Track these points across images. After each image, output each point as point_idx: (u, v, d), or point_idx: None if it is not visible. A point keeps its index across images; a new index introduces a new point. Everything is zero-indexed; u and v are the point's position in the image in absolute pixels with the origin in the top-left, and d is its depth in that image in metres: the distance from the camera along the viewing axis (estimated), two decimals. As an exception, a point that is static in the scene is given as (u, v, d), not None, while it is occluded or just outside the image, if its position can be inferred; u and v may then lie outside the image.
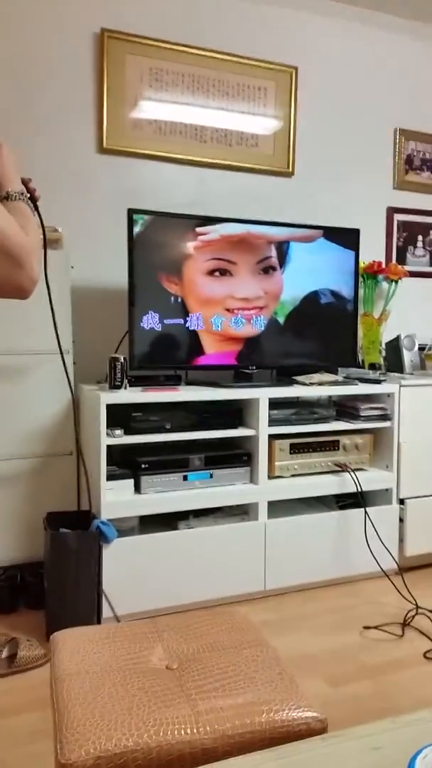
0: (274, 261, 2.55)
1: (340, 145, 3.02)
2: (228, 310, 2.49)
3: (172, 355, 2.42)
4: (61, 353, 2.22)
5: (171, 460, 2.30)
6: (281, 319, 2.57)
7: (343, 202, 3.04)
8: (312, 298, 2.61)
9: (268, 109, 2.83)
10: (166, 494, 2.27)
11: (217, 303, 2.46)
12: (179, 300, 2.40)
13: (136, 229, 2.33)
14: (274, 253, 2.55)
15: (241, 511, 2.44)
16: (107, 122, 2.57)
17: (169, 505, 2.26)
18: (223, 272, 2.47)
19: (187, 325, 2.42)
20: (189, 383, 2.54)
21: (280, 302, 2.56)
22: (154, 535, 2.23)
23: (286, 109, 2.86)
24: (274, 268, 2.56)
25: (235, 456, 2.39)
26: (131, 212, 2.33)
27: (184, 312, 2.41)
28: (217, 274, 2.46)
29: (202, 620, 1.34)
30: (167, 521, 2.35)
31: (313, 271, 2.61)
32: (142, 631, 1.30)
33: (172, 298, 2.39)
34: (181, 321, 2.41)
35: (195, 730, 0.97)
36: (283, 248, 2.56)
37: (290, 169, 2.89)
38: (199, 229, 2.41)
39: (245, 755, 0.84)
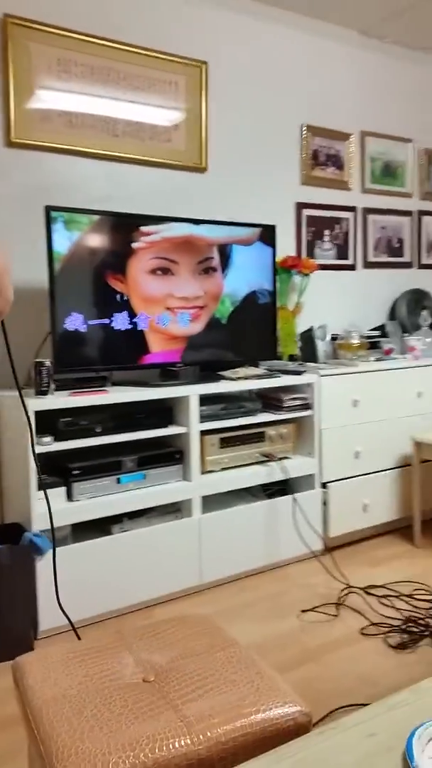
0: (215, 262, 2.58)
1: (251, 140, 3.07)
2: (169, 309, 2.48)
3: (94, 356, 2.37)
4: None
5: (103, 464, 2.27)
6: (207, 317, 2.59)
7: (255, 197, 3.09)
8: (236, 294, 2.65)
9: (179, 103, 2.81)
10: (99, 499, 2.23)
11: (157, 302, 2.45)
12: (117, 298, 2.35)
13: (56, 227, 2.25)
14: (215, 254, 2.58)
15: (174, 509, 2.45)
16: (14, 114, 2.45)
17: (104, 509, 2.23)
18: (165, 271, 2.47)
19: (112, 325, 2.38)
20: (115, 384, 2.51)
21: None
22: (89, 543, 2.19)
23: (197, 103, 2.86)
24: (214, 269, 2.58)
25: (167, 454, 2.40)
26: (48, 210, 2.25)
27: (108, 312, 2.37)
28: (159, 272, 2.45)
29: (168, 628, 1.35)
30: (100, 526, 2.32)
31: (238, 268, 2.65)
32: (108, 646, 1.29)
33: (110, 297, 2.34)
34: (107, 321, 2.37)
35: (188, 741, 0.99)
36: (225, 250, 2.60)
37: (203, 165, 2.90)
38: (144, 228, 2.39)
39: (249, 762, 0.87)
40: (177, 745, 0.98)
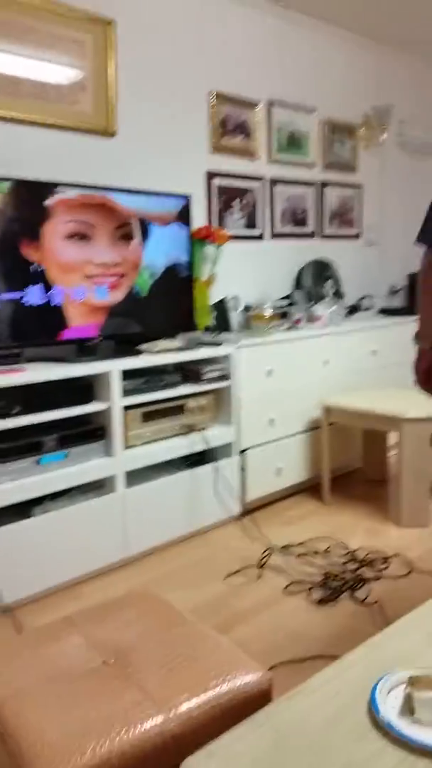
0: (133, 229, 2.51)
1: (161, 106, 3.00)
2: (87, 277, 2.41)
3: (5, 332, 2.27)
4: None
5: (21, 446, 2.20)
6: (127, 287, 2.54)
7: (166, 164, 3.04)
8: (153, 265, 2.62)
9: (86, 63, 2.68)
10: (19, 482, 2.17)
11: (75, 269, 2.36)
12: (31, 270, 2.25)
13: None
14: (133, 221, 2.51)
15: (98, 486, 2.43)
16: None
17: (24, 493, 2.17)
18: (83, 236, 2.38)
19: (26, 299, 2.28)
20: (31, 361, 2.42)
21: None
22: (8, 527, 2.13)
23: (103, 64, 2.74)
24: (131, 236, 2.52)
25: (89, 432, 2.36)
26: None
27: (21, 284, 2.27)
28: (76, 238, 2.36)
29: (118, 609, 1.36)
30: (21, 509, 2.26)
31: (155, 239, 2.61)
32: (59, 633, 1.29)
33: (23, 267, 2.23)
34: (19, 294, 2.27)
35: (160, 720, 1.02)
36: (143, 221, 2.55)
37: (112, 129, 2.80)
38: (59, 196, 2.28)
39: (229, 732, 0.92)
40: (150, 724, 1.01)
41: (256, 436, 2.90)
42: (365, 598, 2.16)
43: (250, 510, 2.94)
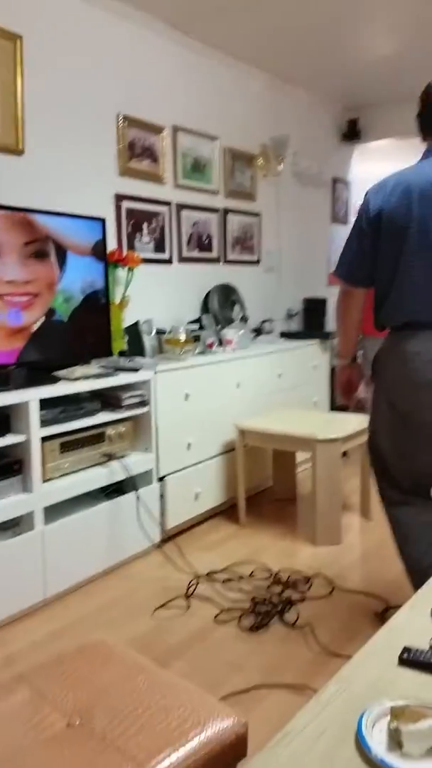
0: (45, 246, 2.40)
1: (70, 126, 2.92)
2: None
3: None
4: None
5: None
6: (42, 309, 2.43)
7: (75, 185, 2.96)
8: (69, 289, 2.53)
9: (-9, 78, 2.56)
10: None
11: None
12: None
13: None
14: (44, 238, 2.41)
15: (13, 524, 2.29)
16: None
17: None
18: None
19: None
20: None
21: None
22: None
23: (11, 80, 2.63)
24: (46, 254, 2.40)
25: (4, 466, 2.22)
26: None
27: None
28: None
29: (71, 663, 1.28)
30: None
31: (70, 261, 2.52)
32: (10, 693, 1.19)
33: None
34: None
35: (143, 780, 0.97)
36: (59, 243, 2.45)
37: (19, 147, 2.69)
38: None
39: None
40: (133, 787, 0.95)
41: (175, 462, 2.87)
42: (295, 621, 2.19)
43: (170, 537, 2.89)
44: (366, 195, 1.97)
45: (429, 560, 1.98)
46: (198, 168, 3.66)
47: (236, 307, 3.67)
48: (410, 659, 1.11)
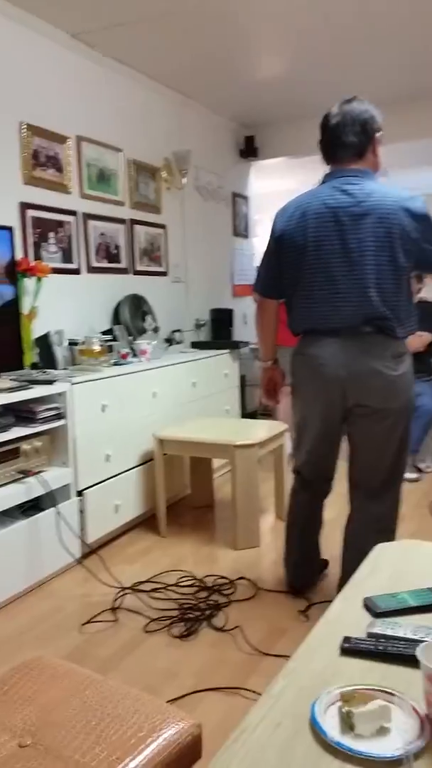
0: None
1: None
2: None
3: None
4: None
5: None
6: None
7: (-23, 193, 2.86)
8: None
9: None
10: None
11: None
12: None
13: None
14: None
15: None
16: None
17: None
18: None
19: None
20: None
21: None
22: None
23: None
24: None
25: None
26: None
27: None
28: None
29: (12, 682, 1.24)
30: None
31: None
32: None
33: None
34: None
35: (105, 793, 0.96)
36: None
37: None
38: None
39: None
40: (95, 800, 0.94)
41: (94, 475, 2.83)
42: (224, 625, 2.22)
43: (91, 552, 2.84)
44: (274, 217, 2.22)
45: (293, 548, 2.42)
46: (103, 178, 3.65)
47: (148, 318, 3.68)
48: (351, 648, 1.17)
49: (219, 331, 4.62)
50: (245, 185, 5.33)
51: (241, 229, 5.25)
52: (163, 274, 4.22)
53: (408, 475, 3.87)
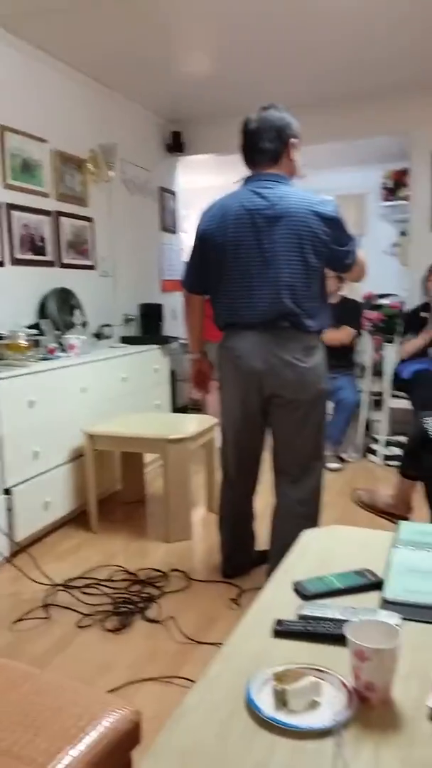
0: None
1: None
2: None
3: None
4: None
5: None
6: None
7: None
8: None
9: None
10: None
11: None
12: None
13: None
14: None
15: None
16: None
17: None
18: None
19: None
20: None
21: None
22: None
23: None
24: None
25: None
26: None
27: None
28: None
29: None
30: None
31: None
32: None
33: None
34: None
35: (47, 783, 0.97)
36: None
37: None
38: None
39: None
40: (37, 791, 0.96)
41: (22, 472, 2.78)
42: (157, 617, 2.25)
43: (21, 549, 2.79)
44: (199, 217, 2.32)
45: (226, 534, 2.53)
46: (27, 169, 3.57)
47: (76, 312, 3.64)
48: (283, 630, 1.22)
49: (148, 326, 4.62)
50: (172, 180, 5.34)
51: (168, 224, 5.26)
52: (91, 267, 4.18)
53: (331, 465, 4.04)
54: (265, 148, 2.21)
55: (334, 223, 2.18)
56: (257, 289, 2.19)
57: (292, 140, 2.24)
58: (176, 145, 5.10)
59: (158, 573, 2.59)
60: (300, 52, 3.70)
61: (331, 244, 2.18)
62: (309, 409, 2.26)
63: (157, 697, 1.82)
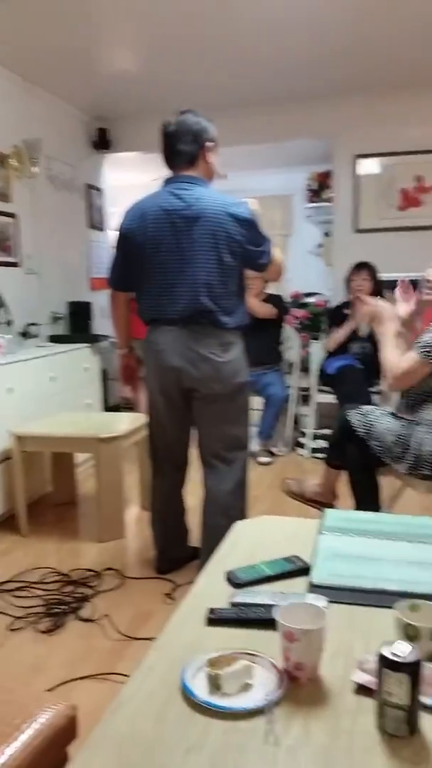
0: None
1: None
2: None
3: None
4: None
5: None
6: None
7: None
8: None
9: None
10: None
11: None
12: None
13: None
14: None
15: None
16: None
17: None
18: None
19: None
20: None
21: None
22: None
23: None
24: None
25: None
26: None
27: None
28: None
29: None
30: None
31: None
32: None
33: None
34: None
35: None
36: None
37: None
38: None
39: (72, 765, 0.94)
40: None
41: None
42: (91, 616, 2.24)
43: None
44: (122, 216, 2.38)
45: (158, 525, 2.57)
46: None
47: (1, 311, 3.55)
48: (216, 618, 1.26)
49: (77, 324, 4.56)
50: (99, 177, 5.29)
51: (96, 222, 5.21)
52: (15, 264, 4.08)
53: (262, 459, 4.13)
54: (182, 150, 2.29)
55: (247, 224, 2.26)
56: (176, 287, 2.26)
57: (208, 144, 2.32)
58: (102, 142, 5.06)
59: (91, 573, 2.58)
60: (227, 53, 3.75)
61: (246, 244, 2.26)
62: (227, 402, 2.34)
63: (93, 694, 1.82)
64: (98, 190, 5.27)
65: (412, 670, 0.90)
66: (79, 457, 3.60)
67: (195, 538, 2.59)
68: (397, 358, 2.30)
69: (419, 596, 1.15)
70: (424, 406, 2.32)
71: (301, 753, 0.92)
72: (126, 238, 2.34)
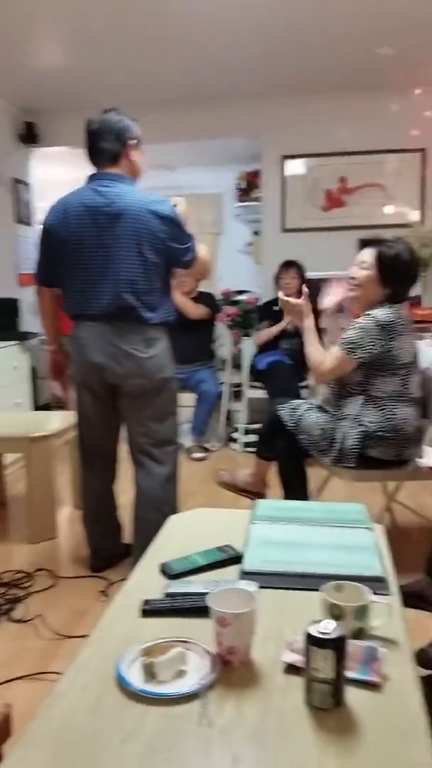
0: None
1: None
2: None
3: None
4: None
5: None
6: None
7: None
8: None
9: None
10: None
11: None
12: None
13: None
14: None
15: None
16: None
17: None
18: None
19: None
20: None
21: None
22: None
23: None
24: None
25: None
26: None
27: None
28: None
29: None
30: None
31: None
32: None
33: None
34: None
35: None
36: None
37: None
38: None
39: (7, 760, 0.94)
40: None
41: None
42: (24, 616, 2.21)
43: None
44: (46, 213, 2.37)
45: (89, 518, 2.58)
46: None
47: None
48: (150, 609, 1.28)
49: (5, 321, 4.45)
50: (26, 171, 5.17)
51: (23, 216, 5.09)
52: None
53: (195, 454, 4.16)
54: (104, 148, 2.30)
55: (169, 221, 2.28)
56: (100, 283, 2.27)
57: (131, 142, 2.33)
58: (30, 136, 4.96)
59: (23, 574, 2.53)
60: (158, 49, 3.75)
61: (169, 241, 2.28)
62: (152, 398, 2.36)
63: (27, 693, 1.80)
64: (26, 184, 5.15)
65: (336, 645, 0.95)
66: (9, 457, 3.52)
67: (128, 534, 2.59)
68: (320, 352, 2.40)
69: (344, 578, 1.21)
70: (348, 400, 2.42)
71: (235, 733, 0.95)
72: (49, 233, 2.34)
